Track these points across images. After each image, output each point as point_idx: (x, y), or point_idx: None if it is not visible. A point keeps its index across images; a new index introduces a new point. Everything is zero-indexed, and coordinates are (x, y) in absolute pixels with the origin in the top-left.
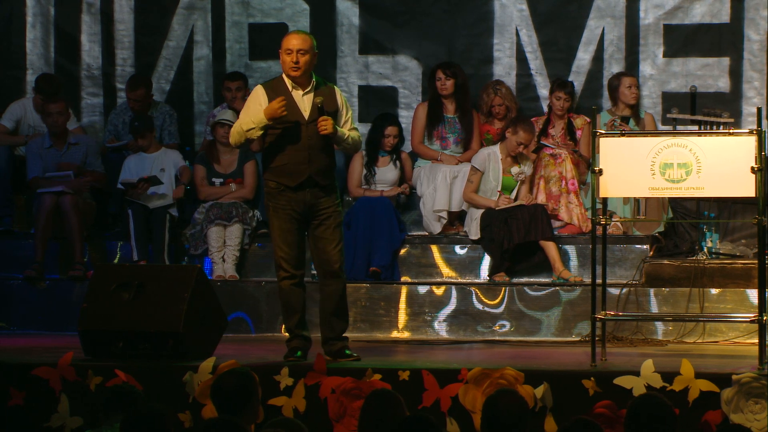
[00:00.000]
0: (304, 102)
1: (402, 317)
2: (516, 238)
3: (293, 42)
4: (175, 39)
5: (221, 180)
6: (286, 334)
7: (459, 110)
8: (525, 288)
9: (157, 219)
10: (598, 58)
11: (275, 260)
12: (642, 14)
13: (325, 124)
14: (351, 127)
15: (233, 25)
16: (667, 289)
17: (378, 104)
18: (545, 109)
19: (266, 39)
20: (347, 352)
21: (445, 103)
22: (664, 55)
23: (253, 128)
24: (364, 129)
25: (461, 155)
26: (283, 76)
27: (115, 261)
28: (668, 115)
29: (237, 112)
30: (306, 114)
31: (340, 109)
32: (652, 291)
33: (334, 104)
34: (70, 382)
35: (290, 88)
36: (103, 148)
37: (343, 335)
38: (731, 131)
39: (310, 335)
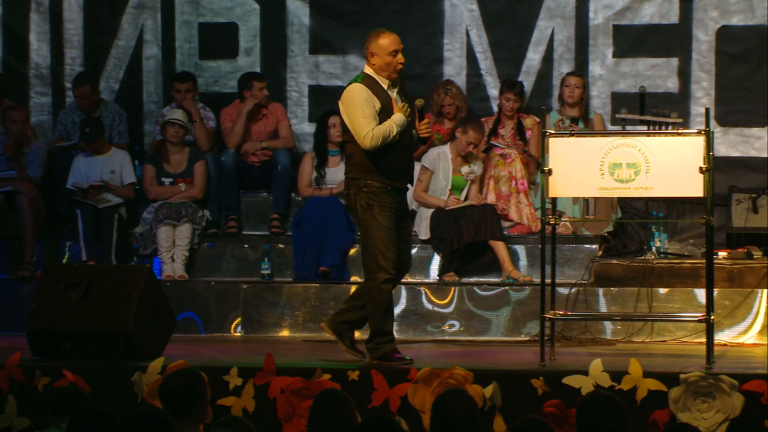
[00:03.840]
0: (397, 102)
1: None
2: (466, 238)
3: (398, 42)
4: (124, 38)
5: (171, 180)
6: (379, 338)
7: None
8: (474, 288)
9: (105, 219)
10: (547, 59)
11: (375, 261)
12: (591, 15)
13: (430, 128)
14: None
15: (183, 25)
16: (616, 289)
17: (328, 104)
18: (495, 109)
19: (216, 38)
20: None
21: None
22: (614, 56)
23: (398, 132)
24: (313, 129)
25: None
26: (374, 75)
27: (64, 261)
28: (617, 116)
29: (187, 112)
30: None
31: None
32: (600, 291)
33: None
34: (18, 383)
35: (385, 87)
36: (53, 147)
37: None
38: (680, 131)
39: None
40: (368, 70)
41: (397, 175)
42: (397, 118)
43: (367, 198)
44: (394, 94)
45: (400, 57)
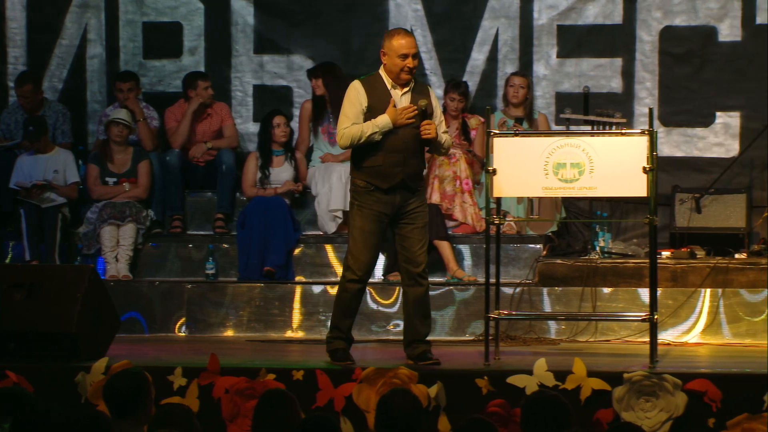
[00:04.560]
0: (402, 102)
1: (296, 317)
2: None
3: (410, 45)
4: (68, 37)
5: (115, 179)
6: (334, 332)
7: (332, 107)
8: None
9: (48, 218)
10: (492, 59)
11: (346, 260)
12: (536, 15)
13: (429, 129)
14: (444, 130)
15: (127, 24)
16: (560, 289)
17: (272, 103)
18: None
19: (160, 38)
20: (429, 355)
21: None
22: (558, 56)
23: (376, 132)
24: (257, 129)
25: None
26: (382, 73)
27: (7, 261)
28: (561, 116)
29: (130, 111)
30: None
31: (435, 109)
32: (545, 290)
33: (431, 105)
34: None
35: (389, 86)
36: None
37: (427, 339)
38: (623, 131)
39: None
40: (381, 68)
41: (380, 176)
42: (380, 119)
43: (351, 197)
44: (399, 94)
45: (409, 61)
